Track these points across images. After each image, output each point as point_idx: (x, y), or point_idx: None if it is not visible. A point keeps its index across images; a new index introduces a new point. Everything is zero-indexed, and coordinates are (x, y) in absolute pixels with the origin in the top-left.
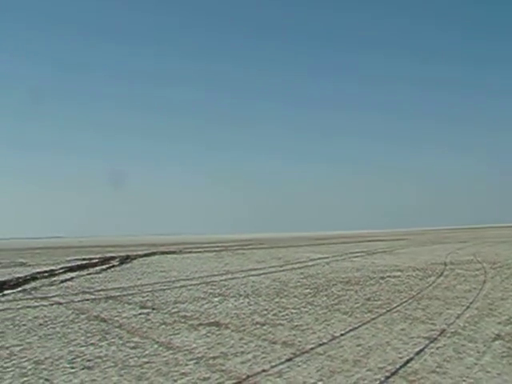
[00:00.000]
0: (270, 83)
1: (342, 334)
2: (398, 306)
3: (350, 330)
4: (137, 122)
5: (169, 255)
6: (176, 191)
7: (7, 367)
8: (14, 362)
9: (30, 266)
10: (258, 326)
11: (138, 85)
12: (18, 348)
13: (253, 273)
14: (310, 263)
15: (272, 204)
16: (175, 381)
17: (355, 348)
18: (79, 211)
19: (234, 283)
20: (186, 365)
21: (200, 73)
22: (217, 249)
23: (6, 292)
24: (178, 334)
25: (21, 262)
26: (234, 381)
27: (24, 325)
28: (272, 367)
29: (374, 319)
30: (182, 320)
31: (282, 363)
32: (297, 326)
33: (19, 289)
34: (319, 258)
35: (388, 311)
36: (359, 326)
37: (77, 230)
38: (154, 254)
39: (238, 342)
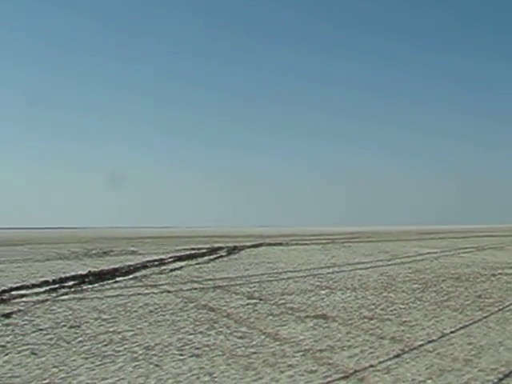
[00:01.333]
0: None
1: (451, 332)
2: (510, 304)
3: (461, 328)
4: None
5: (275, 247)
6: (277, 182)
7: (119, 351)
8: (125, 346)
9: (140, 254)
10: (365, 320)
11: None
12: (130, 333)
13: (360, 266)
14: (418, 258)
15: (370, 197)
16: (282, 372)
17: (466, 346)
18: (187, 202)
19: (340, 276)
20: (293, 356)
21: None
22: (323, 241)
23: (118, 279)
24: (285, 325)
25: (132, 250)
26: (341, 375)
27: (135, 311)
28: (380, 363)
29: (485, 317)
30: (289, 311)
31: (389, 359)
32: (405, 321)
33: (130, 276)
34: (427, 253)
35: (500, 310)
36: (470, 324)
37: (187, 220)
38: (260, 245)
39: (345, 336)
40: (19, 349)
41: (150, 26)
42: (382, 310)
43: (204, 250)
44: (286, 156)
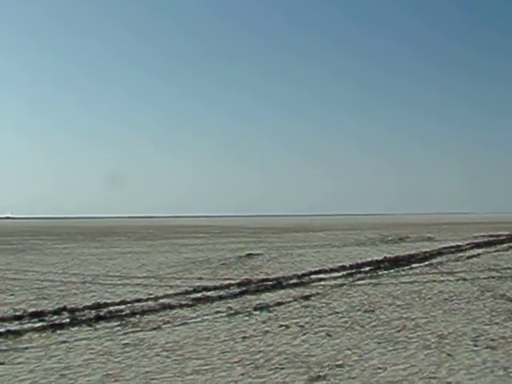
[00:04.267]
0: None
1: None
2: None
3: None
4: None
5: None
6: None
7: (412, 338)
8: (418, 333)
9: (436, 240)
10: None
11: None
12: (423, 320)
13: None
14: None
15: None
16: None
17: None
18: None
19: None
20: None
21: None
22: None
23: (413, 265)
24: None
25: (428, 236)
26: None
27: (429, 298)
28: None
29: None
30: None
31: None
32: None
33: (426, 263)
34: None
35: None
36: None
37: (482, 206)
38: None
39: None
40: (316, 330)
41: None
42: None
43: (503, 237)
44: None
